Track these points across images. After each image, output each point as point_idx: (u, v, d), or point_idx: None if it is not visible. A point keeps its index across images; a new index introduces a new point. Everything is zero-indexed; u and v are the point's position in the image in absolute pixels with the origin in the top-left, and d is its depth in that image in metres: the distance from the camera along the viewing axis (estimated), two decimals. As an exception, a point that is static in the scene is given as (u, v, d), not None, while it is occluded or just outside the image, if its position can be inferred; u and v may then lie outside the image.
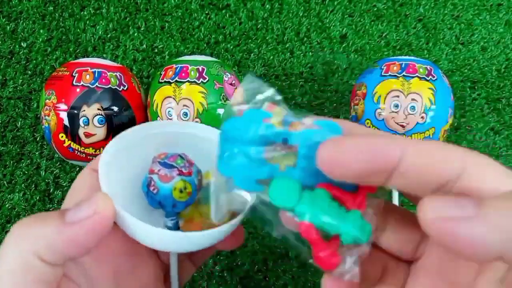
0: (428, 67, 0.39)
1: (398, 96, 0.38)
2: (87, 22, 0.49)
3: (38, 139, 0.46)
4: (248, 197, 0.23)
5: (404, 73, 0.39)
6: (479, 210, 0.14)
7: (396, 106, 0.38)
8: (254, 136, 0.18)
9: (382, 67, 0.40)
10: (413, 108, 0.38)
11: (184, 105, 0.38)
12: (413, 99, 0.38)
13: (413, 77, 0.38)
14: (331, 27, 0.50)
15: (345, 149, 0.16)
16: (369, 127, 0.40)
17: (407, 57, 0.41)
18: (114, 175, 0.25)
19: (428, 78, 0.38)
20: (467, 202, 0.15)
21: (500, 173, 0.16)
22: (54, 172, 0.46)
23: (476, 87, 0.49)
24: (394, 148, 0.15)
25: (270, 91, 0.21)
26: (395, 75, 0.39)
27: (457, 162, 0.15)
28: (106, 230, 0.21)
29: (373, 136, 0.16)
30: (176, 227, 0.26)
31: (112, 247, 0.25)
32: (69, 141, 0.38)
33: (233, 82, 0.40)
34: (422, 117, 0.38)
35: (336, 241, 0.18)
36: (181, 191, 0.24)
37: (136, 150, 0.27)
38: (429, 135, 0.38)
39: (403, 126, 0.38)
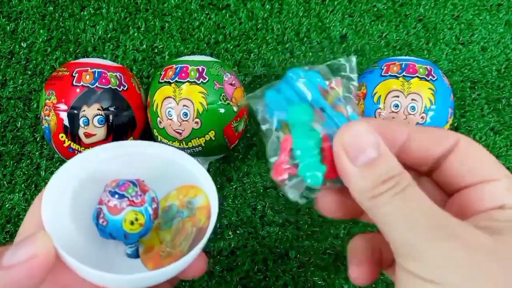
0: (428, 67, 0.39)
1: (398, 96, 0.38)
2: (87, 22, 0.49)
3: (38, 139, 0.46)
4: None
5: (404, 73, 0.39)
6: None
7: (396, 106, 0.38)
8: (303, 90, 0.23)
9: (382, 67, 0.40)
10: (413, 108, 0.38)
11: (184, 105, 0.38)
12: (413, 99, 0.38)
13: (413, 77, 0.38)
14: (331, 27, 0.50)
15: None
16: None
17: (407, 57, 0.41)
18: (67, 202, 0.24)
19: (428, 78, 0.38)
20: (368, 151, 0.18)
21: (483, 156, 0.19)
22: (54, 172, 0.45)
23: (476, 87, 0.49)
24: (402, 127, 0.20)
25: (351, 63, 0.25)
26: (395, 75, 0.39)
27: (452, 139, 0.19)
28: (46, 271, 0.20)
29: (385, 120, 0.21)
30: (136, 255, 0.25)
31: (61, 281, 0.23)
32: (69, 141, 0.38)
33: (233, 82, 0.40)
34: (422, 117, 0.38)
35: (295, 167, 0.22)
36: (132, 223, 0.23)
37: (94, 174, 0.25)
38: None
39: None
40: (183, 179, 0.27)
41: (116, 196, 0.23)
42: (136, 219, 0.23)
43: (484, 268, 0.15)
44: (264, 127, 0.24)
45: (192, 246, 0.24)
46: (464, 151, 0.19)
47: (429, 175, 0.21)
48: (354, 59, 0.25)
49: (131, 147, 0.27)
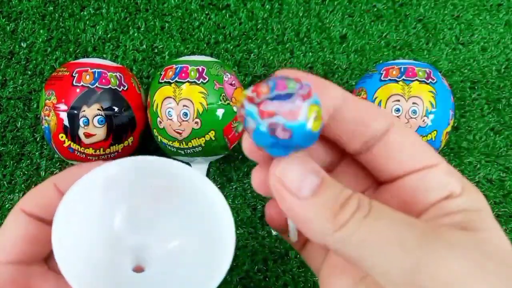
0: (427, 70, 0.39)
1: (399, 101, 0.38)
2: (87, 22, 0.49)
3: (38, 139, 0.46)
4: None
5: (403, 77, 0.39)
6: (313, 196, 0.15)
7: (398, 110, 0.38)
8: None
9: (381, 72, 0.40)
10: (414, 112, 0.38)
11: (184, 106, 0.38)
12: (414, 103, 0.38)
13: (412, 80, 0.38)
14: (331, 27, 0.50)
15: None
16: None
17: (405, 60, 0.41)
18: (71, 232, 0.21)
19: (428, 81, 0.38)
20: (310, 181, 0.16)
21: (418, 141, 0.17)
22: (54, 173, 0.46)
23: (476, 87, 0.49)
24: (338, 90, 0.17)
25: None
26: (395, 79, 0.39)
27: (385, 122, 0.17)
28: None
29: (320, 79, 0.18)
30: None
31: None
32: (69, 142, 0.38)
33: (233, 82, 0.40)
34: (424, 121, 0.38)
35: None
36: (315, 119, 0.17)
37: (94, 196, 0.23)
38: (431, 138, 0.38)
39: None
40: (197, 204, 0.25)
41: (283, 98, 0.17)
42: (317, 113, 0.17)
43: (493, 273, 0.14)
44: None
45: None
46: (400, 133, 0.17)
47: (354, 157, 0.19)
48: None
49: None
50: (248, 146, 0.19)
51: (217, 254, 0.22)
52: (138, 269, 0.24)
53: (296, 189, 0.15)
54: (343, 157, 0.20)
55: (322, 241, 0.15)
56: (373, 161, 0.18)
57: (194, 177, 0.24)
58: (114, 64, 0.40)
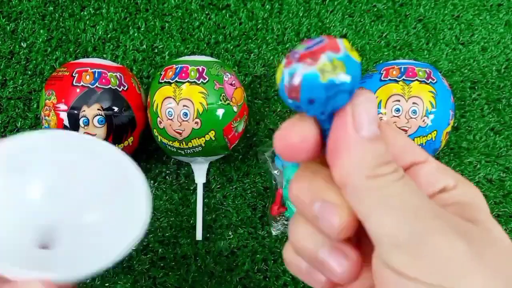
0: (427, 70, 0.39)
1: (399, 101, 0.38)
2: (87, 22, 0.49)
3: (38, 139, 0.46)
4: None
5: (403, 77, 0.39)
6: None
7: (397, 110, 0.38)
8: None
9: (381, 72, 0.40)
10: (414, 112, 0.38)
11: (184, 106, 0.38)
12: (414, 103, 0.38)
13: (413, 80, 0.38)
14: (331, 27, 0.50)
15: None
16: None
17: (405, 60, 0.41)
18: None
19: (428, 81, 0.38)
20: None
21: (405, 138, 0.18)
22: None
23: (476, 87, 0.49)
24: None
25: None
26: (395, 79, 0.39)
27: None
28: None
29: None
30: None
31: None
32: (69, 142, 0.38)
33: (233, 82, 0.40)
34: (424, 121, 0.38)
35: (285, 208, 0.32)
36: (331, 71, 0.16)
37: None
38: (431, 138, 0.38)
39: (405, 131, 0.38)
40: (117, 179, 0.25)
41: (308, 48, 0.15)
42: (335, 66, 0.15)
43: (500, 268, 0.14)
44: (274, 172, 0.42)
45: None
46: (389, 135, 0.17)
47: None
48: None
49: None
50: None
51: (130, 222, 0.23)
52: (47, 245, 0.24)
53: (359, 126, 0.16)
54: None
55: (347, 181, 0.16)
56: None
57: (106, 149, 0.25)
58: (114, 64, 0.40)
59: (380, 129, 0.16)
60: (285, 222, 0.44)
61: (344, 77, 0.15)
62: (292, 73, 0.15)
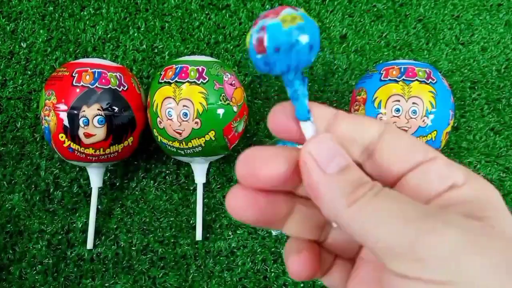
0: (427, 70, 0.39)
1: (399, 101, 0.38)
2: (87, 22, 0.49)
3: (38, 139, 0.46)
4: None
5: (403, 77, 0.39)
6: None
7: (398, 110, 0.38)
8: None
9: (381, 72, 0.40)
10: (414, 112, 0.38)
11: (184, 106, 0.38)
12: (414, 103, 0.38)
13: (413, 80, 0.38)
14: (331, 27, 0.50)
15: (327, 139, 0.18)
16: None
17: (405, 60, 0.41)
18: None
19: (428, 81, 0.38)
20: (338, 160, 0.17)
21: (412, 139, 0.18)
22: (54, 173, 0.46)
23: (476, 87, 0.49)
24: (329, 110, 0.19)
25: None
26: (395, 79, 0.39)
27: (378, 127, 0.18)
28: None
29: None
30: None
31: None
32: (69, 142, 0.38)
33: (233, 82, 0.40)
34: (424, 121, 0.38)
35: None
36: (291, 21, 0.18)
37: None
38: (431, 138, 0.38)
39: (405, 131, 0.38)
40: None
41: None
42: (294, 18, 0.17)
43: (498, 254, 0.14)
44: None
45: None
46: (394, 136, 0.18)
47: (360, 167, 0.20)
48: None
49: None
50: (273, 120, 0.20)
51: None
52: None
53: (325, 164, 0.17)
54: None
55: (335, 217, 0.17)
56: (375, 167, 0.19)
57: None
58: (114, 64, 0.40)
59: (345, 158, 0.17)
60: None
61: (302, 24, 0.17)
62: (258, 29, 0.17)
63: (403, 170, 0.18)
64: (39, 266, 0.44)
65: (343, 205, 0.16)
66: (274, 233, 0.44)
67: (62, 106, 0.37)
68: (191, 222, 0.45)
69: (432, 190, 0.17)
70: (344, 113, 0.19)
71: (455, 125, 0.48)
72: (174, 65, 0.39)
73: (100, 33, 0.49)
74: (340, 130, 0.19)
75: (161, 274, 0.44)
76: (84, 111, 0.37)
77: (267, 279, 0.44)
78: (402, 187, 0.18)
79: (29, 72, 0.47)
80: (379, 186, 0.17)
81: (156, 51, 0.49)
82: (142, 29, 0.49)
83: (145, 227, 0.45)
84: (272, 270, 0.44)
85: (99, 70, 0.38)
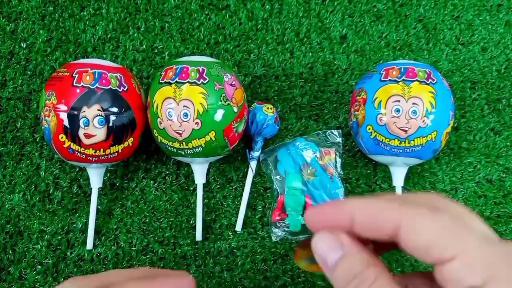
0: (427, 70, 0.39)
1: (399, 101, 0.38)
2: (87, 23, 0.49)
3: (38, 139, 0.46)
4: None
5: (403, 78, 0.38)
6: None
7: (397, 110, 0.38)
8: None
9: (381, 72, 0.40)
10: (414, 112, 0.37)
11: (184, 106, 0.38)
12: (414, 103, 0.38)
13: (413, 81, 0.38)
14: (331, 28, 0.50)
15: (316, 214, 0.21)
16: (371, 132, 0.40)
17: (405, 61, 0.41)
18: None
19: (428, 82, 0.38)
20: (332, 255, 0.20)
21: (429, 223, 0.17)
22: (54, 173, 0.46)
23: (476, 88, 0.49)
24: (344, 214, 0.20)
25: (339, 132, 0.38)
26: (395, 80, 0.39)
27: (393, 221, 0.18)
28: None
29: (333, 204, 0.21)
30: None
31: None
32: (69, 142, 0.38)
33: (233, 82, 0.40)
34: (424, 121, 0.38)
35: (286, 214, 0.44)
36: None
37: None
38: (431, 138, 0.38)
39: (405, 131, 0.38)
40: None
41: None
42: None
43: None
44: (276, 177, 0.45)
45: None
46: (411, 230, 0.18)
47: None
48: (340, 131, 0.46)
49: None
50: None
51: None
52: None
53: (323, 261, 0.20)
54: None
55: None
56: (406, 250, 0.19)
57: None
58: (114, 65, 0.40)
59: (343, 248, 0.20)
60: (286, 229, 0.44)
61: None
62: None
63: (429, 262, 0.18)
64: (39, 266, 0.44)
65: None
66: (274, 239, 0.44)
67: (62, 107, 0.37)
68: (191, 222, 0.45)
69: None
70: (359, 211, 0.19)
71: (455, 125, 0.48)
72: (174, 66, 0.39)
73: (100, 33, 0.49)
74: (361, 232, 0.20)
75: (161, 274, 0.44)
76: (84, 111, 0.37)
77: (267, 279, 0.44)
78: (435, 276, 0.18)
79: (29, 73, 0.47)
80: (369, 277, 0.18)
81: (156, 51, 0.49)
82: (142, 29, 0.49)
83: (145, 228, 0.45)
84: (272, 270, 0.44)
85: (99, 70, 0.38)
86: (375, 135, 0.39)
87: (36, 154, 0.46)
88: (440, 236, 0.17)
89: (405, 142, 0.38)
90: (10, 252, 0.44)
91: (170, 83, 0.38)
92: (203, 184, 0.44)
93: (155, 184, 0.46)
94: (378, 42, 0.50)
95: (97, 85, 0.38)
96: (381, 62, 0.49)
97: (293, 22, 0.50)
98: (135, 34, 0.49)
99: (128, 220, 0.45)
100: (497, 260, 0.16)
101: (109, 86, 0.38)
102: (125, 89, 0.39)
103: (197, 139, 0.38)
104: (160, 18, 0.49)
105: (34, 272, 0.43)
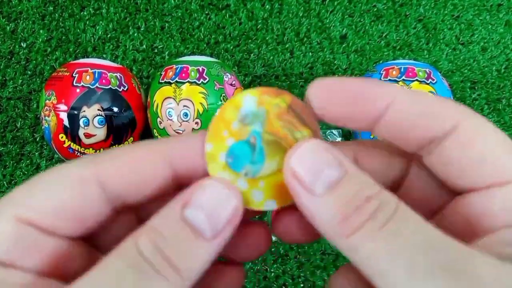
0: (427, 70, 0.39)
1: None
2: (87, 22, 0.49)
3: (38, 139, 0.46)
4: None
5: (403, 77, 0.39)
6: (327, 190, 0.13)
7: None
8: None
9: (381, 72, 0.40)
10: None
11: (184, 106, 0.38)
12: None
13: (413, 81, 0.38)
14: (331, 27, 0.50)
15: (332, 88, 0.14)
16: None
17: (405, 61, 0.41)
18: None
19: (428, 82, 0.38)
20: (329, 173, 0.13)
21: (492, 138, 0.13)
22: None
23: (476, 88, 0.49)
24: (383, 92, 0.14)
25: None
26: (395, 80, 0.39)
27: (450, 120, 0.13)
28: None
29: (364, 80, 0.14)
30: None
31: None
32: (69, 142, 0.38)
33: (233, 82, 0.40)
34: None
35: None
36: None
37: None
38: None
39: None
40: None
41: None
42: None
43: None
44: None
45: None
46: (469, 137, 0.13)
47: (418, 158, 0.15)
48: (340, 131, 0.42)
49: None
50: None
51: None
52: None
53: (309, 184, 0.13)
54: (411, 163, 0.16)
55: (336, 245, 0.13)
56: (435, 168, 0.14)
57: None
58: (114, 65, 0.40)
59: (346, 162, 0.13)
60: None
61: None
62: None
63: (469, 187, 0.14)
64: (39, 266, 0.44)
65: (341, 237, 0.13)
66: (274, 239, 0.44)
67: (62, 107, 0.37)
68: (191, 222, 0.45)
69: (495, 222, 0.13)
70: (403, 99, 0.14)
71: (455, 125, 0.48)
72: (174, 65, 0.39)
73: (100, 33, 0.49)
74: (397, 127, 0.14)
75: (161, 274, 0.44)
76: (84, 111, 0.37)
77: (267, 279, 0.44)
78: (464, 205, 0.14)
79: (29, 72, 0.47)
80: (389, 208, 0.12)
81: (156, 51, 0.49)
82: (142, 29, 0.49)
83: (145, 227, 0.45)
84: (272, 270, 0.44)
85: (99, 70, 0.38)
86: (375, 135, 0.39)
87: (36, 154, 0.46)
88: (504, 149, 0.13)
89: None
90: (10, 252, 0.44)
91: (170, 83, 0.38)
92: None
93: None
94: (378, 42, 0.50)
95: (97, 85, 0.38)
96: (381, 62, 0.49)
97: (293, 22, 0.50)
98: (135, 34, 0.49)
99: (128, 220, 0.45)
100: None
101: (109, 86, 0.38)
102: (125, 89, 0.39)
103: (197, 139, 0.39)
104: (160, 18, 0.49)
105: (34, 272, 0.43)
